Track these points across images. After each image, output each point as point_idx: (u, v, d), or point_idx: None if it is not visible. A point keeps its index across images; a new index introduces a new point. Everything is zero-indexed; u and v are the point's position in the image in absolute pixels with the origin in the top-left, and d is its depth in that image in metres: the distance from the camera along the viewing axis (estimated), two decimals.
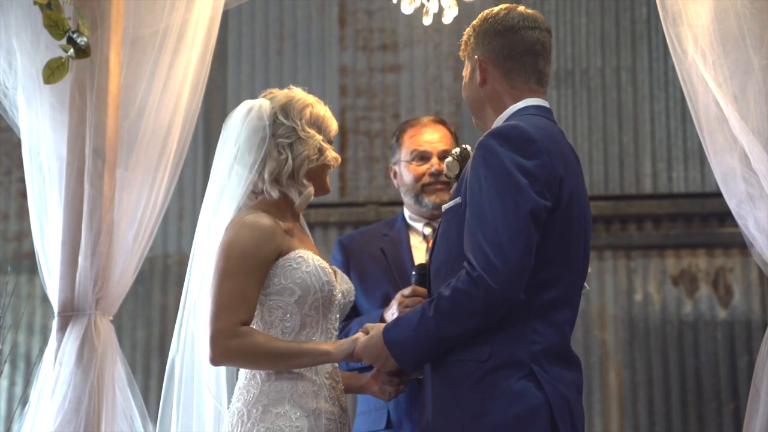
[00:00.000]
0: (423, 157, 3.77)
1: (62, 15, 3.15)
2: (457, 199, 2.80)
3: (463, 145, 3.22)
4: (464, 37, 3.02)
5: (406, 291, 3.41)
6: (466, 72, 3.00)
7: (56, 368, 3.30)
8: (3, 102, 3.52)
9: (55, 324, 3.37)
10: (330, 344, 2.86)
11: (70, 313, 3.35)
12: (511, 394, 2.63)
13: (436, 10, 3.81)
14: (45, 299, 6.11)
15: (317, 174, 3.02)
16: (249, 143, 2.96)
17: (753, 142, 3.13)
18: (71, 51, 3.15)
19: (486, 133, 2.77)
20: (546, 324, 2.70)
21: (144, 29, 3.51)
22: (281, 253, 2.89)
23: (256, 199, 3.02)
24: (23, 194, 3.76)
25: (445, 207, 2.89)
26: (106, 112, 3.41)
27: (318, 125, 3.02)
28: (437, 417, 2.72)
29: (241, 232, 2.85)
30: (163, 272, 6.94)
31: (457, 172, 3.06)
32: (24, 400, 3.44)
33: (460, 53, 3.05)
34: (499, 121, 2.87)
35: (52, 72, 3.15)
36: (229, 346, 2.78)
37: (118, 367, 3.36)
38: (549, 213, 2.68)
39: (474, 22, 3.00)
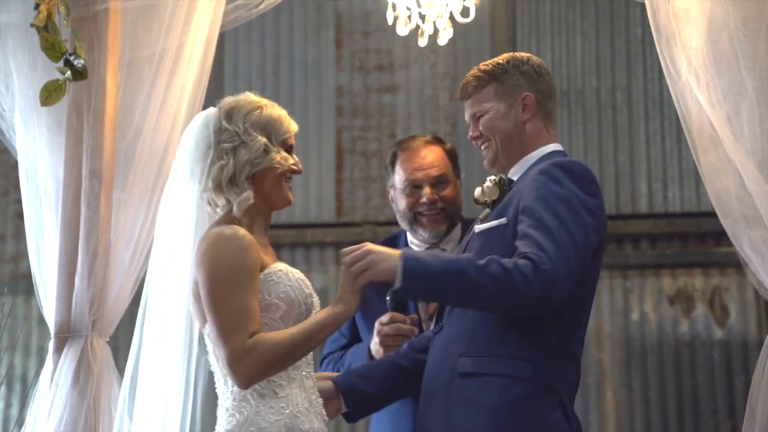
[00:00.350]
0: (416, 186, 3.66)
1: (59, 37, 3.17)
2: (502, 220, 2.85)
3: (500, 175, 3.16)
4: (496, 70, 3.03)
5: (384, 318, 3.33)
6: (494, 106, 3.02)
7: (52, 390, 3.29)
8: (0, 124, 3.53)
9: (51, 345, 3.37)
10: (326, 309, 2.80)
11: (66, 334, 3.34)
12: (546, 421, 2.73)
13: (431, 32, 3.83)
14: (41, 320, 6.10)
15: (268, 180, 2.89)
16: (196, 154, 2.88)
17: (747, 163, 3.14)
18: (68, 73, 3.16)
19: (548, 162, 2.88)
20: (575, 362, 2.85)
21: (141, 51, 3.53)
22: (263, 266, 2.81)
23: (216, 213, 2.92)
24: (20, 215, 3.75)
25: (481, 228, 2.92)
26: (102, 134, 3.41)
27: (267, 128, 2.89)
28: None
29: (223, 246, 2.75)
30: None
31: (495, 197, 3.02)
32: (20, 422, 3.43)
33: (476, 85, 3.05)
34: (528, 161, 2.98)
35: (49, 94, 3.16)
36: (249, 365, 2.68)
37: (114, 389, 3.35)
38: (593, 254, 2.82)
39: (505, 60, 3.05)
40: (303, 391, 2.81)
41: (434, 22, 3.82)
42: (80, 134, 3.42)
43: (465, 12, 3.83)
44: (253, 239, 2.79)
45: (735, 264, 6.35)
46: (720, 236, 6.49)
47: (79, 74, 3.15)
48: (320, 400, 2.87)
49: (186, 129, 2.96)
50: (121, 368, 3.08)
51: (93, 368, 3.30)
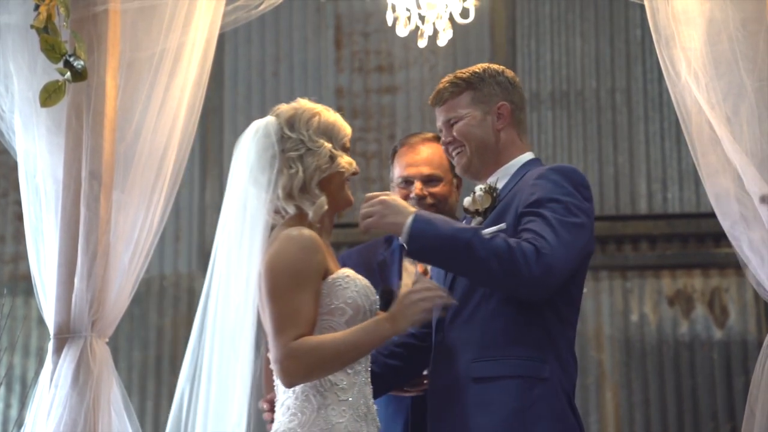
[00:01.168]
0: (407, 181, 3.70)
1: (59, 38, 3.17)
2: (502, 225, 2.88)
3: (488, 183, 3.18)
4: (473, 78, 3.09)
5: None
6: (469, 113, 3.06)
7: (52, 390, 3.29)
8: (0, 125, 3.53)
9: (50, 346, 3.37)
10: (375, 320, 2.82)
11: (66, 335, 3.34)
12: (566, 419, 2.80)
13: (431, 33, 3.83)
14: (41, 321, 6.10)
15: (332, 184, 2.96)
16: (260, 163, 2.91)
17: (746, 164, 3.15)
18: (68, 74, 3.16)
19: (546, 168, 2.96)
20: (575, 361, 2.90)
21: (140, 52, 3.53)
22: (327, 270, 2.85)
23: (282, 218, 2.97)
24: (19, 216, 3.75)
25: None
26: (102, 135, 3.42)
27: (327, 133, 2.96)
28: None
29: (287, 246, 2.82)
30: (160, 294, 6.94)
31: (487, 205, 3.04)
32: (19, 423, 3.43)
33: (453, 91, 3.10)
34: (510, 169, 3.04)
35: (49, 95, 3.16)
36: (291, 365, 2.73)
37: (114, 390, 3.35)
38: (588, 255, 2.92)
39: (482, 69, 3.11)
40: (362, 397, 2.84)
41: (434, 24, 3.82)
42: (80, 135, 3.42)
43: (464, 13, 3.84)
44: (321, 242, 2.86)
45: (734, 265, 6.34)
46: (719, 237, 6.50)
47: (79, 75, 3.15)
48: (375, 407, 2.90)
49: (243, 138, 2.98)
50: (120, 369, 3.08)
51: (92, 369, 3.30)
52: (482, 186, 3.06)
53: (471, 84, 3.07)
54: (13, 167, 3.63)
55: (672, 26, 3.28)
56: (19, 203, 3.62)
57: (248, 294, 2.84)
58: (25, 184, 3.49)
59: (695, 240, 6.79)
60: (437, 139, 3.79)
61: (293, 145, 2.92)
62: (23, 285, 6.67)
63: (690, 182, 6.80)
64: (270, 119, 2.97)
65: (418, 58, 7.02)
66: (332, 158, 2.94)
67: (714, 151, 3.23)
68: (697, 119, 3.26)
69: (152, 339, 6.83)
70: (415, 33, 3.85)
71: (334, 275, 2.85)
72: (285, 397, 2.84)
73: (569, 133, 6.97)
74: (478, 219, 3.02)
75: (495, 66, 3.14)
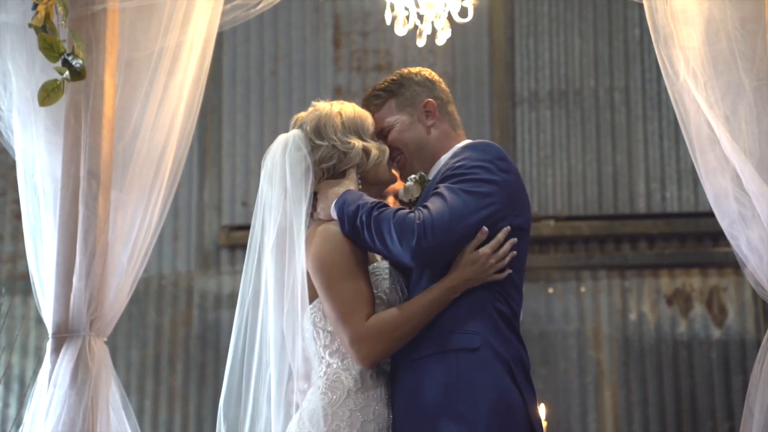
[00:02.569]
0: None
1: (57, 38, 3.17)
2: None
3: (420, 173, 3.23)
4: (392, 86, 3.13)
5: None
6: (398, 119, 3.10)
7: (50, 390, 3.29)
8: None
9: (49, 345, 3.37)
10: (436, 287, 2.88)
11: (64, 334, 3.34)
12: (498, 387, 2.79)
13: (429, 32, 3.83)
14: (39, 320, 6.10)
15: (373, 171, 3.03)
16: (294, 178, 2.96)
17: (744, 163, 3.15)
18: (66, 73, 3.16)
19: (460, 145, 3.02)
20: (517, 335, 2.95)
21: (139, 51, 3.53)
22: (368, 255, 2.94)
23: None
24: (18, 216, 3.76)
25: None
26: (100, 134, 3.41)
27: (355, 129, 3.03)
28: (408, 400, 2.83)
29: (330, 239, 2.89)
30: (158, 293, 6.94)
31: (417, 195, 3.11)
32: (18, 422, 3.43)
33: (377, 103, 3.14)
34: (442, 160, 3.06)
35: (48, 94, 3.16)
36: (370, 344, 2.81)
37: (112, 389, 3.35)
38: (519, 231, 2.93)
39: (398, 75, 3.16)
40: (386, 385, 2.91)
41: (432, 23, 3.82)
42: (78, 134, 3.42)
43: (463, 12, 3.83)
44: None
45: (733, 264, 6.34)
46: (718, 236, 6.51)
47: (77, 74, 3.15)
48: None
49: (270, 151, 3.02)
50: (118, 368, 3.08)
51: (91, 368, 3.30)
52: (413, 176, 3.12)
53: (391, 92, 3.12)
54: (12, 166, 3.63)
55: (671, 25, 3.28)
56: (17, 202, 3.62)
57: (296, 296, 2.92)
58: (24, 183, 3.49)
59: (694, 239, 6.80)
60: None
61: (327, 153, 2.99)
62: (21, 284, 6.67)
63: (688, 181, 6.80)
64: (296, 132, 3.02)
65: (416, 58, 7.02)
66: (366, 153, 3.01)
67: (712, 150, 3.23)
68: (696, 118, 3.26)
69: (151, 338, 6.83)
70: (413, 32, 3.85)
71: (375, 264, 2.95)
72: (315, 377, 2.91)
73: (568, 133, 6.97)
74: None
75: (412, 69, 3.18)
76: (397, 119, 3.10)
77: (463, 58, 7.04)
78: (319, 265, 2.87)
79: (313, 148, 2.98)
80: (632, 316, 6.75)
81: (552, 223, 6.84)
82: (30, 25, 3.17)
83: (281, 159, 2.98)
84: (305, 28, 7.16)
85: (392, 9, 3.84)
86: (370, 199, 2.90)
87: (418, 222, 2.78)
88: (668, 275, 6.78)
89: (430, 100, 3.10)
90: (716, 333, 6.66)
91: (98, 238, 3.36)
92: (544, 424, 3.43)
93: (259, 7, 3.65)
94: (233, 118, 7.03)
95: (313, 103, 3.08)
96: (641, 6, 3.38)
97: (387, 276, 2.94)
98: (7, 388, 6.77)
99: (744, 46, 3.20)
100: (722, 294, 6.71)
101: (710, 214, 3.35)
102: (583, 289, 6.84)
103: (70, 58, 3.16)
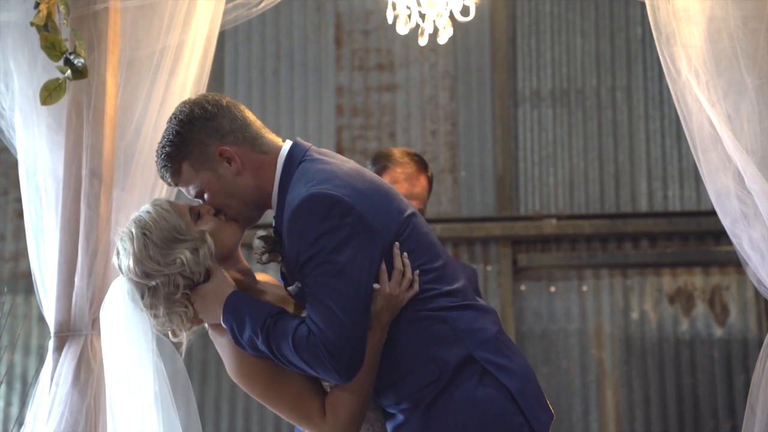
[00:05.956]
0: None
1: (59, 36, 3.17)
2: (298, 284, 2.68)
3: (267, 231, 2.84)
4: (176, 149, 2.71)
5: None
6: (203, 180, 2.71)
7: (52, 389, 3.29)
8: (0, 123, 3.53)
9: (51, 344, 3.37)
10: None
11: (66, 333, 3.34)
12: (477, 402, 2.61)
13: (431, 31, 3.83)
14: (41, 319, 6.11)
15: (221, 251, 2.74)
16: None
17: (747, 161, 3.14)
18: (68, 72, 3.16)
19: (288, 217, 2.63)
20: (468, 309, 2.70)
21: (141, 50, 3.53)
22: None
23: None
24: (20, 215, 3.75)
25: (293, 291, 2.76)
26: (102, 133, 3.41)
27: (171, 239, 2.69)
28: None
29: (234, 353, 2.73)
30: None
31: (264, 253, 2.79)
32: (20, 421, 3.43)
33: (173, 171, 2.74)
34: (274, 197, 2.71)
35: (50, 93, 3.16)
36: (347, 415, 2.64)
37: None
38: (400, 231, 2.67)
39: (174, 132, 2.72)
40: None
41: (434, 21, 3.82)
42: (80, 133, 3.42)
43: (465, 11, 3.84)
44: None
45: (735, 263, 6.37)
46: (720, 235, 6.51)
47: (79, 73, 3.15)
48: None
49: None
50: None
51: (93, 367, 3.30)
52: (259, 234, 2.79)
53: (179, 155, 2.72)
54: (14, 165, 3.63)
55: (673, 24, 3.28)
56: (19, 201, 3.62)
57: None
58: (26, 182, 3.49)
59: (696, 238, 6.80)
60: (414, 160, 3.84)
61: (159, 285, 2.68)
62: (24, 283, 6.67)
63: (690, 180, 6.80)
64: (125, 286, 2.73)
65: (418, 56, 7.03)
66: (196, 252, 2.67)
67: (714, 149, 3.23)
68: (698, 117, 3.25)
69: None
70: (415, 31, 3.85)
71: None
72: None
73: (570, 132, 6.97)
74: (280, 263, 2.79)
75: (179, 113, 2.74)
76: (201, 181, 2.72)
77: (464, 57, 7.03)
78: (246, 383, 2.67)
79: (145, 292, 2.68)
80: (634, 315, 6.75)
81: (554, 221, 6.84)
82: (32, 24, 3.17)
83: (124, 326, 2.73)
84: (307, 27, 7.16)
85: (394, 8, 3.85)
86: (257, 317, 2.60)
87: (319, 345, 2.52)
88: (670, 274, 6.78)
89: (222, 147, 2.69)
90: (718, 332, 6.66)
91: (100, 237, 3.36)
92: None
93: (260, 6, 3.65)
94: None
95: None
96: (643, 5, 3.38)
97: None
98: (10, 387, 6.77)
99: (746, 44, 3.20)
100: (724, 293, 6.71)
101: (712, 213, 3.34)
102: (585, 288, 6.83)
103: (71, 56, 3.16)
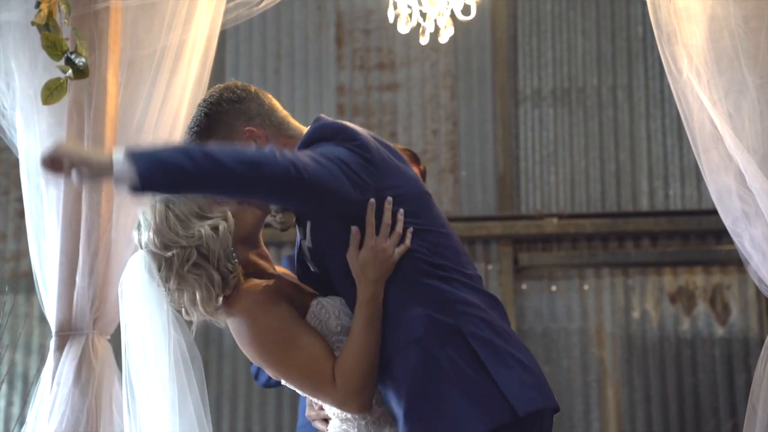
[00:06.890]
0: None
1: (60, 36, 3.17)
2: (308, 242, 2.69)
3: None
4: (204, 126, 2.71)
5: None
6: None
7: (54, 388, 3.30)
8: (1, 122, 3.53)
9: (52, 343, 3.37)
10: (359, 304, 2.65)
11: (67, 332, 3.35)
12: (457, 372, 2.53)
13: (432, 30, 3.83)
14: (43, 319, 6.10)
15: (240, 232, 2.75)
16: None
17: (748, 160, 3.14)
18: (69, 72, 3.16)
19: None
20: (464, 285, 2.69)
21: (142, 50, 3.53)
22: (301, 304, 2.78)
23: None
24: (21, 214, 3.76)
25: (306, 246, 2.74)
26: (103, 132, 3.42)
27: (191, 211, 2.70)
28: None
29: (246, 319, 2.71)
30: None
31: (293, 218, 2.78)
32: (21, 421, 3.43)
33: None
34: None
35: (51, 92, 3.17)
36: (354, 400, 2.62)
37: (115, 387, 3.36)
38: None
39: (209, 110, 2.72)
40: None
41: (435, 20, 3.82)
42: (81, 132, 3.42)
43: (466, 10, 3.84)
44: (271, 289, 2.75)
45: (736, 262, 6.36)
46: (721, 234, 6.50)
47: (80, 72, 3.16)
48: None
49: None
50: (122, 366, 3.08)
51: (94, 366, 3.31)
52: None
53: (206, 134, 2.71)
54: (15, 164, 3.64)
55: (674, 23, 3.28)
56: (20, 200, 3.62)
57: None
58: (27, 181, 3.50)
59: (697, 237, 6.79)
60: (414, 155, 3.80)
61: (181, 258, 2.67)
62: (25, 282, 6.67)
63: (691, 179, 6.80)
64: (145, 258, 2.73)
65: (419, 56, 7.02)
66: (216, 230, 2.68)
67: (716, 148, 3.23)
68: (699, 116, 3.25)
69: None
70: (416, 30, 3.85)
71: (309, 311, 2.70)
72: (332, 419, 2.77)
73: (571, 131, 6.97)
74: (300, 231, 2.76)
75: (209, 96, 2.75)
76: None
77: (465, 56, 7.03)
78: (258, 354, 2.66)
79: (162, 263, 2.67)
80: (635, 314, 6.75)
81: (555, 220, 6.84)
82: (33, 23, 3.17)
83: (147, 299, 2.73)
84: (308, 26, 7.16)
85: (395, 7, 3.85)
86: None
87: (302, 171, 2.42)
88: (671, 273, 6.78)
89: (250, 129, 2.70)
90: (719, 331, 6.66)
91: (101, 237, 3.37)
92: None
93: (261, 5, 3.65)
94: None
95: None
96: (644, 4, 3.38)
97: (328, 313, 2.69)
98: (11, 386, 6.78)
99: (747, 43, 3.20)
100: (725, 292, 6.71)
101: (713, 212, 3.34)
102: (586, 287, 6.83)
103: (72, 56, 3.16)
